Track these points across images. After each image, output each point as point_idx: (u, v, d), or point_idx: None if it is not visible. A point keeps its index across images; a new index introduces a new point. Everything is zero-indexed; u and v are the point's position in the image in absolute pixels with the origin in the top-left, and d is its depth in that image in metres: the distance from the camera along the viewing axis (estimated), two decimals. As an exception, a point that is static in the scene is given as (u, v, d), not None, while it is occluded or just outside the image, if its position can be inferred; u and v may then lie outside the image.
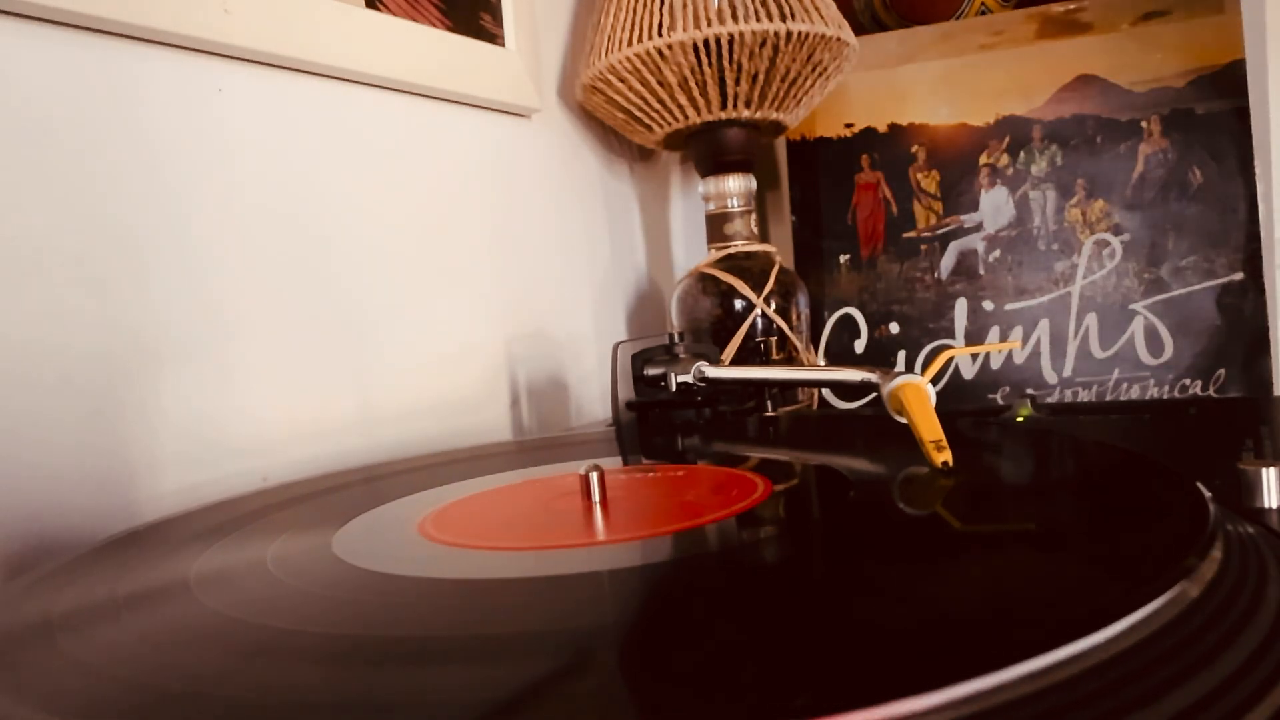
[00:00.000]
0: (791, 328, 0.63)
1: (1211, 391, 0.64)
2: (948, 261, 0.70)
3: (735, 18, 0.57)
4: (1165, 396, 0.65)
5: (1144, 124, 0.66)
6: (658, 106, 0.62)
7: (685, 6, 0.58)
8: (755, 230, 0.65)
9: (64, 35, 0.38)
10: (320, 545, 0.27)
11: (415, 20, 0.53)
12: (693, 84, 0.60)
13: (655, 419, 0.49)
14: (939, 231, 0.70)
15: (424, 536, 0.27)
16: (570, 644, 0.17)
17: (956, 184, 0.70)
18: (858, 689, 0.13)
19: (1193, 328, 0.65)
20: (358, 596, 0.22)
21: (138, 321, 0.40)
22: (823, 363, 0.71)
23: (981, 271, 0.69)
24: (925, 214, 0.70)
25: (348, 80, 0.50)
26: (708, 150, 0.64)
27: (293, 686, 0.16)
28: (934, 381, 0.34)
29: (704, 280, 0.63)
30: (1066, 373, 0.67)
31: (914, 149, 0.71)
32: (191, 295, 0.42)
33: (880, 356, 0.71)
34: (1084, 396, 0.66)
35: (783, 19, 0.58)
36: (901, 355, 0.70)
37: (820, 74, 0.63)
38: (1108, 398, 0.66)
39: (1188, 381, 0.65)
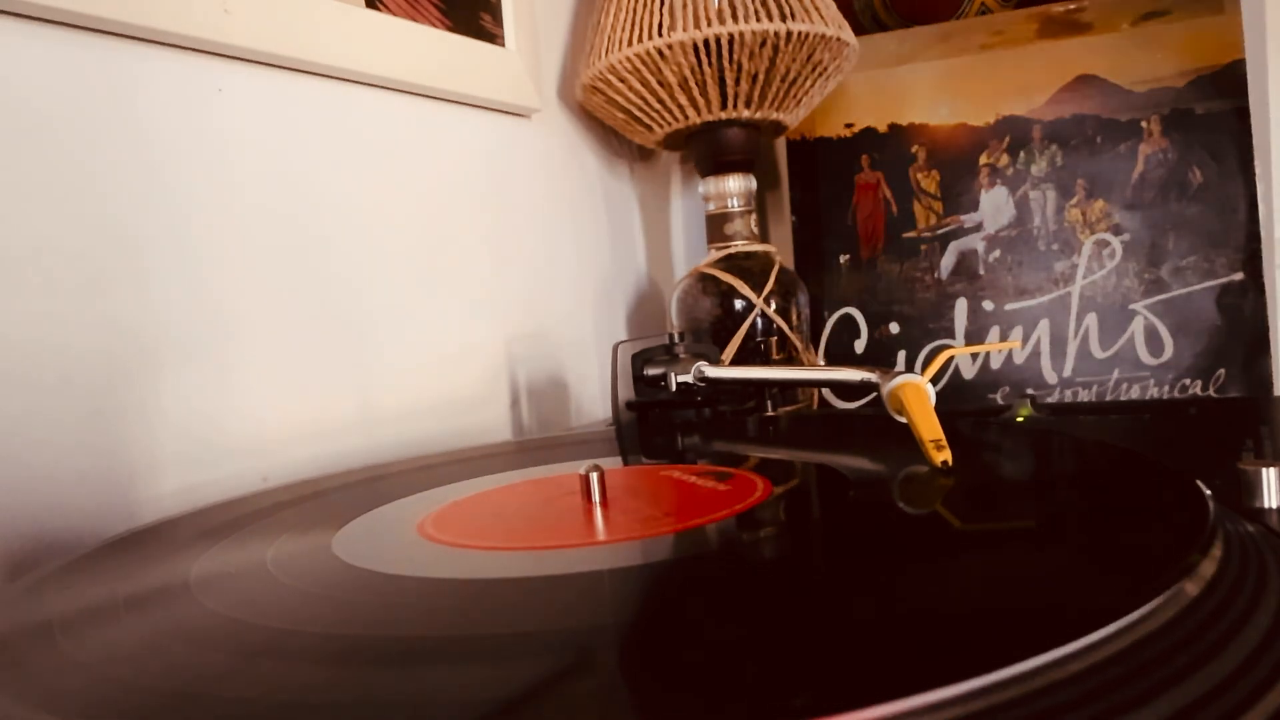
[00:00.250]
0: (791, 328, 0.63)
1: (1211, 391, 0.64)
2: (948, 261, 0.70)
3: (735, 18, 0.57)
4: (1165, 396, 0.65)
5: (1144, 124, 0.66)
6: (658, 106, 0.62)
7: (685, 6, 0.58)
8: (755, 230, 0.65)
9: (64, 35, 0.38)
10: (320, 545, 0.27)
11: (415, 20, 0.53)
12: (693, 84, 0.60)
13: (655, 419, 0.49)
14: (939, 231, 0.70)
15: (424, 537, 0.27)
16: (570, 644, 0.17)
17: (956, 184, 0.70)
18: (857, 688, 0.13)
19: (1193, 328, 0.65)
20: (358, 597, 0.22)
21: (138, 321, 0.40)
22: (823, 363, 0.71)
23: (981, 271, 0.69)
24: (925, 214, 0.70)
25: (348, 80, 0.50)
26: (708, 150, 0.64)
27: (293, 687, 0.16)
28: (934, 381, 0.34)
29: (704, 280, 0.63)
30: (1066, 373, 0.67)
31: (914, 149, 0.71)
32: (191, 295, 0.42)
33: (880, 356, 0.71)
34: (1084, 396, 0.66)
35: (783, 19, 0.58)
36: (901, 355, 0.70)
37: (820, 74, 0.63)
38: (1108, 398, 0.66)
39: (1188, 381, 0.65)
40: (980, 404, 0.67)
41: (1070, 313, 0.67)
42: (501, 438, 0.59)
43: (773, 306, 0.62)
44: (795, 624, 0.17)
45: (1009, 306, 0.68)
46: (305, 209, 0.48)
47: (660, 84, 0.60)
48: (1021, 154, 0.68)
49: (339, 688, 0.16)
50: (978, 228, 0.69)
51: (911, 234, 0.71)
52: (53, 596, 0.24)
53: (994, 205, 0.69)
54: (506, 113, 0.61)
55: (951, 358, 0.69)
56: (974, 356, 0.68)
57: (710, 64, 0.59)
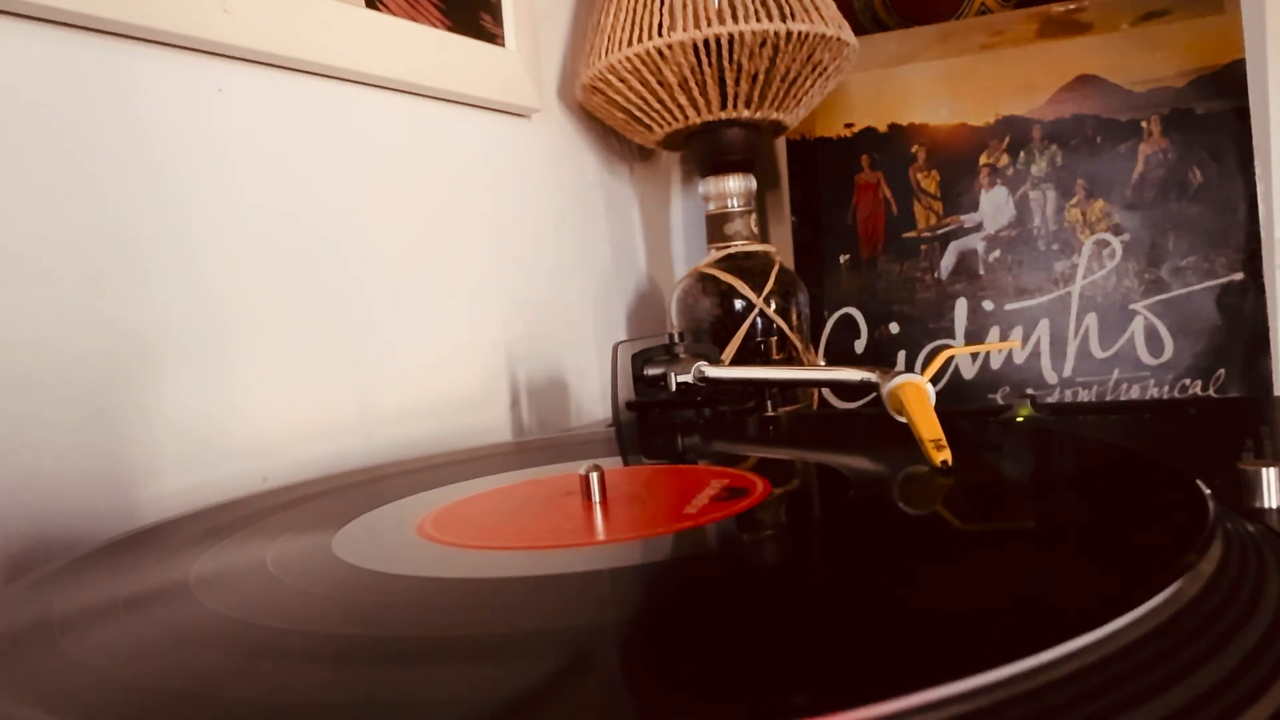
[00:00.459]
0: (791, 328, 0.63)
1: (1211, 391, 0.64)
2: (948, 261, 0.70)
3: (735, 18, 0.57)
4: (1165, 396, 0.65)
5: (1144, 124, 0.66)
6: (658, 106, 0.62)
7: (685, 6, 0.58)
8: (755, 230, 0.65)
9: (64, 35, 0.38)
10: (320, 546, 0.27)
11: (415, 20, 0.53)
12: (693, 84, 0.60)
13: (655, 419, 0.49)
14: (939, 231, 0.70)
15: (423, 537, 0.27)
16: (570, 643, 0.17)
17: (956, 184, 0.70)
18: (857, 686, 0.13)
19: (1193, 328, 0.65)
20: (358, 597, 0.22)
21: (138, 321, 0.40)
22: (823, 363, 0.71)
23: (981, 271, 0.69)
24: (925, 214, 0.70)
25: (348, 80, 0.50)
26: (708, 150, 0.64)
27: (293, 687, 0.16)
28: (934, 381, 0.34)
29: (704, 280, 0.63)
30: (1066, 373, 0.67)
31: (914, 149, 0.71)
32: (191, 295, 0.42)
33: (880, 356, 0.71)
34: (1084, 396, 0.66)
35: (783, 19, 0.58)
36: (901, 355, 0.70)
37: (820, 74, 0.63)
38: (1108, 398, 0.66)
39: (1188, 381, 0.65)
40: (980, 404, 0.67)
41: (1070, 313, 0.67)
42: (501, 438, 0.59)
43: (773, 306, 0.62)
44: (795, 623, 0.17)
45: (1009, 306, 0.68)
46: (305, 209, 0.48)
47: (660, 84, 0.60)
48: (1021, 154, 0.68)
49: (339, 688, 0.16)
50: (978, 228, 0.69)
51: (911, 234, 0.71)
52: (53, 596, 0.24)
53: (994, 205, 0.69)
54: (506, 113, 0.61)
55: (951, 358, 0.69)
56: (974, 356, 0.69)
57: (710, 64, 0.59)
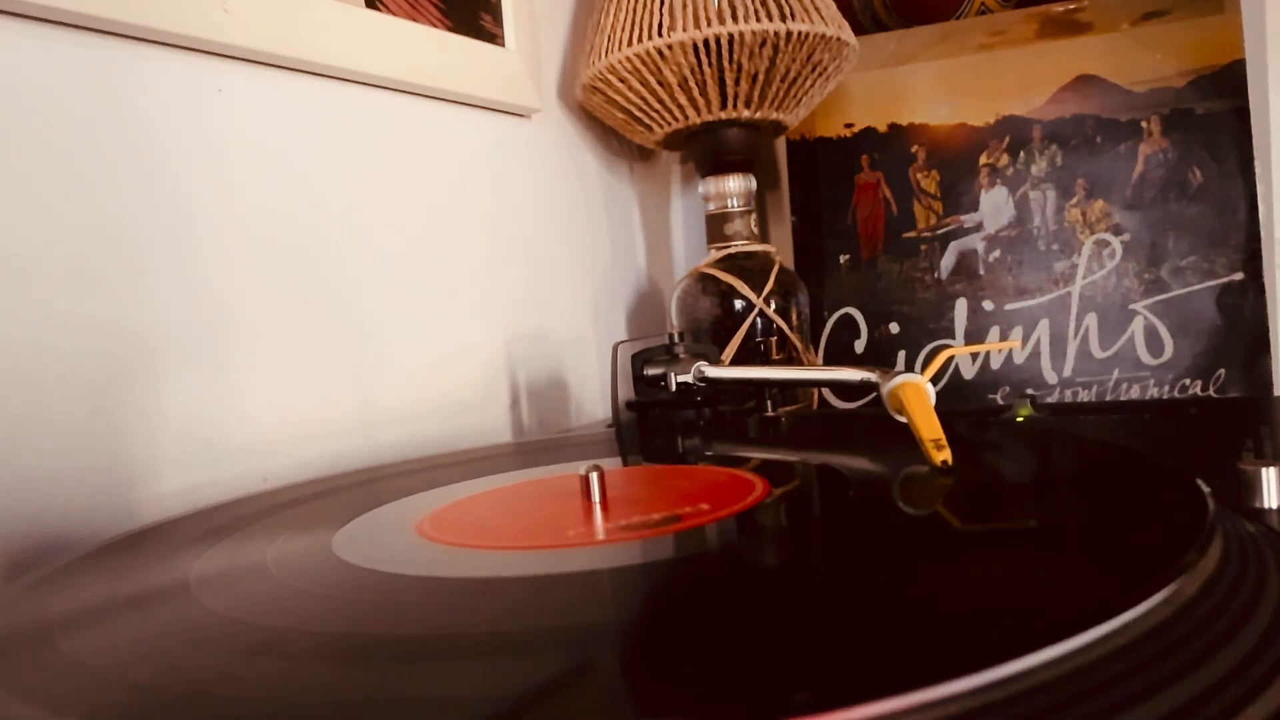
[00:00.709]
0: (791, 328, 0.63)
1: (1211, 391, 0.64)
2: (948, 261, 0.70)
3: (735, 18, 0.57)
4: (1165, 396, 0.65)
5: (1144, 124, 0.66)
6: (658, 106, 0.62)
7: (685, 6, 0.58)
8: (755, 230, 0.65)
9: (64, 35, 0.38)
10: (320, 546, 0.27)
11: (415, 20, 0.53)
12: (693, 84, 0.60)
13: (655, 419, 0.49)
14: (939, 231, 0.70)
15: (423, 537, 0.27)
16: (570, 643, 0.17)
17: (956, 184, 0.70)
18: (857, 684, 0.13)
19: (1193, 328, 0.65)
20: (358, 596, 0.22)
21: (138, 322, 0.40)
22: (822, 363, 0.71)
23: (981, 271, 0.69)
24: (925, 214, 0.70)
25: (348, 80, 0.50)
26: (708, 150, 0.64)
27: (294, 686, 0.16)
28: (934, 381, 0.34)
29: (704, 280, 0.63)
30: (1066, 373, 0.67)
31: (914, 149, 0.71)
32: (191, 295, 0.42)
33: (880, 356, 0.71)
34: (1084, 396, 0.66)
35: (783, 19, 0.58)
36: (901, 355, 0.70)
37: (820, 74, 0.63)
38: (1108, 398, 0.66)
39: (1188, 381, 0.65)
40: (980, 404, 0.67)
41: (1070, 313, 0.67)
42: (501, 438, 0.59)
43: (773, 306, 0.62)
44: (795, 623, 0.17)
45: (1009, 306, 0.68)
46: (305, 209, 0.48)
47: (660, 84, 0.60)
48: (1021, 154, 0.68)
49: (340, 687, 0.16)
50: (978, 228, 0.69)
51: (911, 234, 0.71)
52: (53, 597, 0.24)
53: (994, 205, 0.69)
54: (506, 113, 0.61)
55: (951, 358, 0.69)
56: (974, 356, 0.69)
57: (710, 64, 0.59)
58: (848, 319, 0.72)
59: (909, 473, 0.30)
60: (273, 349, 0.46)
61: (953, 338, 0.69)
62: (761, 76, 0.60)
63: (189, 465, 0.42)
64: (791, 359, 0.63)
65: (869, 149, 0.72)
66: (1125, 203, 0.66)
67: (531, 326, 0.63)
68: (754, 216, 0.65)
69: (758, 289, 0.62)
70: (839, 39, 0.61)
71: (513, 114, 0.62)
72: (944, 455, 0.30)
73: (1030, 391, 0.67)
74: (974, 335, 0.69)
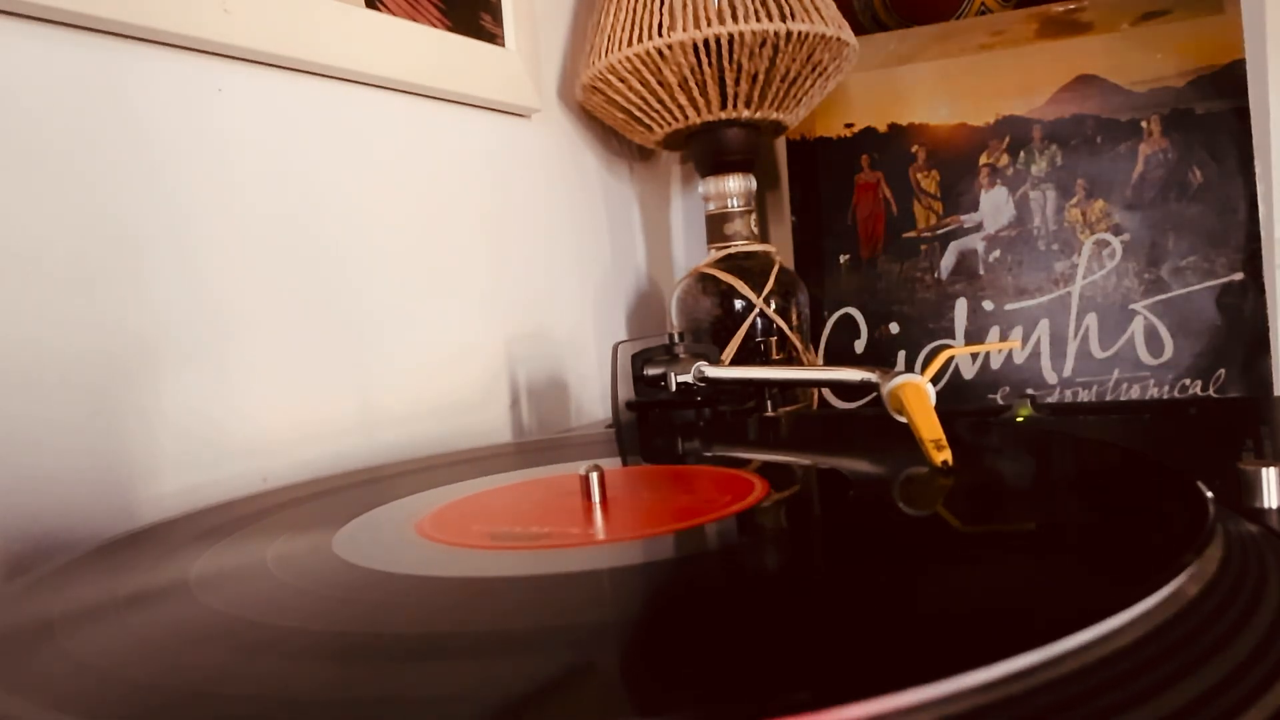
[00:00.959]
0: (791, 328, 0.63)
1: (1211, 391, 0.64)
2: (948, 261, 0.70)
3: (735, 18, 0.57)
4: (1165, 396, 0.65)
5: (1144, 124, 0.66)
6: (658, 106, 0.62)
7: (685, 6, 0.58)
8: (755, 230, 0.65)
9: (64, 35, 0.38)
10: (320, 545, 0.27)
11: (415, 20, 0.53)
12: (693, 84, 0.60)
13: (655, 419, 0.49)
14: (939, 231, 0.70)
15: (423, 536, 0.27)
16: (570, 643, 0.17)
17: (956, 184, 0.70)
18: (856, 683, 0.13)
19: (1193, 328, 0.65)
20: (358, 595, 0.22)
21: (138, 322, 0.40)
22: (822, 363, 0.71)
23: (981, 271, 0.69)
24: (925, 214, 0.70)
25: (348, 80, 0.50)
26: (708, 150, 0.64)
27: (293, 685, 0.16)
28: (934, 381, 0.34)
29: (704, 280, 0.63)
30: (1066, 373, 0.67)
31: (914, 149, 0.71)
32: (191, 295, 0.42)
33: (880, 356, 0.71)
34: (1084, 396, 0.66)
35: (783, 19, 0.58)
36: (901, 355, 0.70)
37: (820, 74, 0.63)
38: (1108, 398, 0.66)
39: (1188, 381, 0.65)
40: (980, 404, 0.67)
41: (1070, 313, 0.67)
42: (501, 438, 0.59)
43: (773, 306, 0.62)
44: (795, 622, 0.17)
45: (1009, 306, 0.68)
46: (305, 209, 0.48)
47: (660, 84, 0.60)
48: (1021, 154, 0.68)
49: (339, 686, 0.16)
50: (978, 228, 0.69)
51: (911, 234, 0.71)
52: (53, 596, 0.24)
53: (994, 205, 0.69)
54: (506, 113, 0.61)
55: (951, 358, 0.69)
56: (974, 356, 0.68)
57: (710, 64, 0.59)
58: (848, 319, 0.72)
59: (909, 473, 0.30)
60: (273, 349, 0.46)
61: (953, 338, 0.69)
62: (761, 76, 0.60)
63: (189, 465, 0.42)
64: (791, 359, 0.63)
65: (869, 149, 0.72)
66: (1125, 203, 0.66)
67: (531, 326, 0.63)
68: (754, 216, 0.65)
69: (758, 289, 0.62)
70: (839, 39, 0.61)
71: (513, 114, 0.62)
72: (944, 456, 0.30)
73: (1030, 391, 0.67)
74: (974, 335, 0.69)
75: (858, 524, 0.25)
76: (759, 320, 0.62)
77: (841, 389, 0.69)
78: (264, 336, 0.45)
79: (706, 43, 0.58)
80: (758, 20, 0.58)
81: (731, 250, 0.64)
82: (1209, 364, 0.64)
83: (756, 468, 0.33)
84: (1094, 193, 0.67)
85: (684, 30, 0.58)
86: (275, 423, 0.45)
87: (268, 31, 0.45)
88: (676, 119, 0.63)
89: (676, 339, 0.50)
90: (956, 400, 0.68)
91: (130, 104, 0.41)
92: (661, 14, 0.58)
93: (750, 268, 0.63)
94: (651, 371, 0.49)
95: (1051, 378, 0.67)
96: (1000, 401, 0.68)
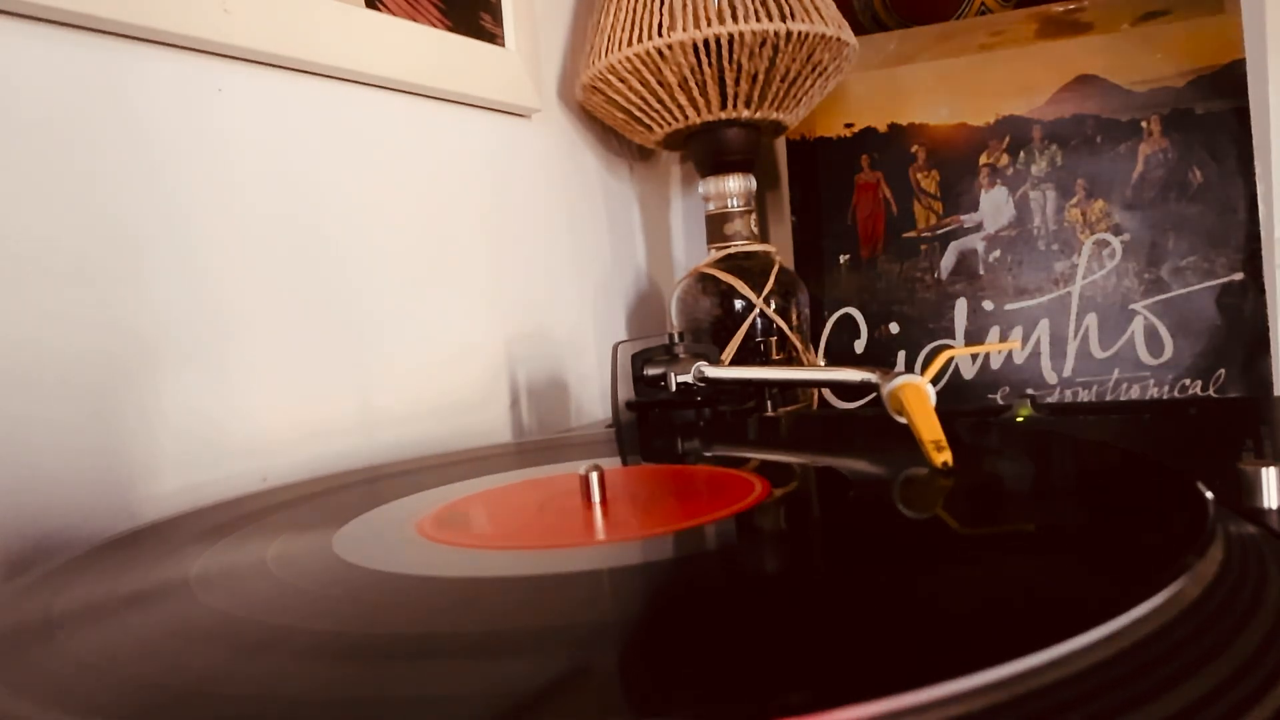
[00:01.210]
0: (791, 328, 0.63)
1: (1211, 391, 0.64)
2: (948, 261, 0.70)
3: (735, 18, 0.57)
4: (1165, 396, 0.65)
5: (1144, 124, 0.66)
6: (658, 106, 0.62)
7: (685, 6, 0.58)
8: (755, 230, 0.65)
9: (64, 35, 0.38)
10: (320, 545, 0.27)
11: (415, 20, 0.53)
12: (693, 84, 0.60)
13: (655, 419, 0.49)
14: (939, 231, 0.70)
15: (423, 536, 0.27)
16: (570, 643, 0.17)
17: (956, 184, 0.70)
18: (856, 683, 0.13)
19: (1193, 328, 0.65)
20: (358, 595, 0.22)
21: (138, 321, 0.40)
22: (823, 363, 0.71)
23: (981, 271, 0.69)
24: (925, 214, 0.70)
25: (347, 80, 0.50)
26: (708, 150, 0.64)
27: (293, 684, 0.16)
28: (934, 381, 0.34)
29: (704, 280, 0.63)
30: (1066, 373, 0.67)
31: (914, 149, 0.71)
32: (191, 295, 0.42)
33: (880, 356, 0.71)
34: (1084, 396, 0.66)
35: (783, 19, 0.58)
36: (901, 355, 0.70)
37: (820, 74, 0.63)
38: (1108, 398, 0.66)
39: (1188, 381, 0.65)
40: (980, 404, 0.67)
41: (1070, 313, 0.67)
42: (501, 438, 0.59)
43: (772, 306, 0.62)
44: (795, 622, 0.17)
45: (1009, 306, 0.68)
46: (305, 209, 0.48)
47: (660, 84, 0.60)
48: (1021, 154, 0.68)
49: (339, 685, 0.16)
50: (978, 228, 0.69)
51: (911, 234, 0.71)
52: (53, 596, 0.24)
53: (994, 205, 0.69)
54: (506, 113, 0.61)
55: (951, 358, 0.69)
56: (974, 357, 0.68)
57: (710, 64, 0.59)
58: (848, 319, 0.72)
59: (909, 474, 0.30)
60: (273, 349, 0.46)
61: (953, 338, 0.69)
62: (761, 76, 0.60)
63: (189, 465, 0.42)
64: (791, 359, 0.63)
65: (869, 149, 0.72)
66: (1125, 203, 0.66)
67: (531, 326, 0.63)
68: (754, 216, 0.65)
69: (758, 289, 0.62)
70: (839, 39, 0.61)
71: (513, 114, 0.62)
72: (944, 457, 0.30)
73: (1030, 392, 0.67)
74: (974, 335, 0.69)
75: (857, 525, 0.25)
76: (759, 320, 0.62)
77: (841, 389, 0.69)
78: (264, 336, 0.45)
79: (706, 43, 0.58)
80: (758, 20, 0.58)
81: (731, 250, 0.64)
82: (1209, 364, 0.64)
83: (756, 468, 0.33)
84: (1094, 193, 0.67)
85: (684, 30, 0.58)
86: (275, 423, 0.45)
87: (268, 31, 0.45)
88: (676, 119, 0.63)
89: (676, 339, 0.50)
90: (956, 400, 0.68)
91: (130, 104, 0.41)
92: (661, 14, 0.58)
93: (750, 268, 0.63)
94: (651, 371, 0.49)
95: (1051, 378, 0.67)
96: (1000, 402, 0.68)
